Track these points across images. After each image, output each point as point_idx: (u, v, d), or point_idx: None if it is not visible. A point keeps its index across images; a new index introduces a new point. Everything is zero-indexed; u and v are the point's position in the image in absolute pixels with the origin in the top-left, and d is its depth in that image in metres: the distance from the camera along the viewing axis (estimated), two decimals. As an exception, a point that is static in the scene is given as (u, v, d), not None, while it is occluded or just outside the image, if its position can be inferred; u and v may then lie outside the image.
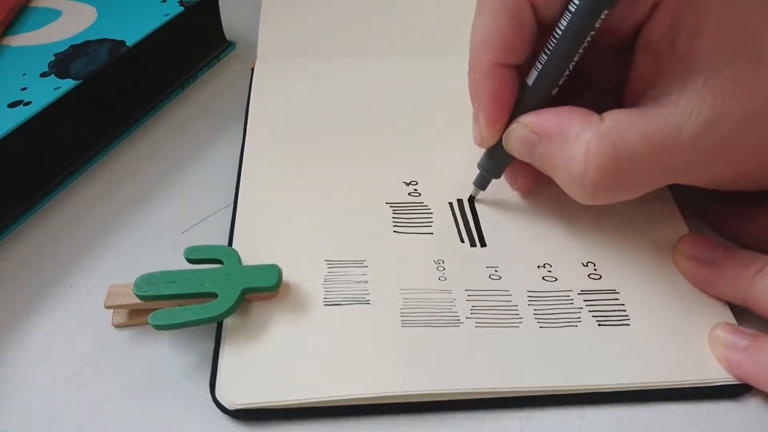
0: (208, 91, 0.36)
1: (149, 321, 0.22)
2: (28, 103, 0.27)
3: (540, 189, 0.28)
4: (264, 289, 0.23)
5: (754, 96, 0.21)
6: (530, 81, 0.25)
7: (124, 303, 0.24)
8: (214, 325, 0.24)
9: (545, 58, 0.24)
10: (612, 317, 0.24)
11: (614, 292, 0.25)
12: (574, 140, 0.23)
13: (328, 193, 0.29)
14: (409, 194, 0.29)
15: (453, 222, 0.28)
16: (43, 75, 0.29)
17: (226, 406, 0.22)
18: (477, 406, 0.22)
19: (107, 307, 0.24)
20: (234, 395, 0.22)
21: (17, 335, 0.24)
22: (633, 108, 0.23)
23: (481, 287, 0.25)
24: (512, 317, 0.24)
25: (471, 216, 0.28)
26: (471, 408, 0.22)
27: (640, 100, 0.24)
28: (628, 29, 0.23)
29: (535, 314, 0.24)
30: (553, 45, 0.23)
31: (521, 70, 0.25)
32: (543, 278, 0.26)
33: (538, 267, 0.26)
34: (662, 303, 0.25)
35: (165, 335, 0.24)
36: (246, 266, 0.24)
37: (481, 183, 0.28)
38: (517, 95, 0.25)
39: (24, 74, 0.29)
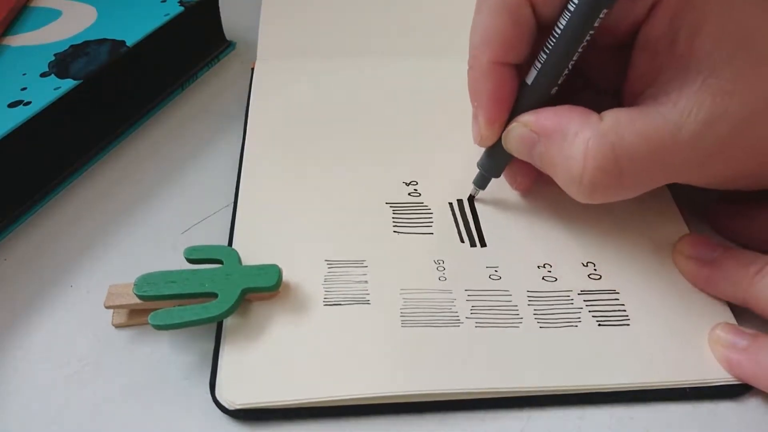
0: (208, 91, 0.36)
1: (149, 321, 0.22)
2: (28, 103, 0.27)
3: (539, 188, 0.28)
4: (264, 289, 0.23)
5: (754, 96, 0.21)
6: (529, 80, 0.25)
7: (124, 303, 0.24)
8: (214, 325, 0.24)
9: (544, 57, 0.24)
10: (612, 317, 0.24)
11: (614, 292, 0.25)
12: (573, 139, 0.23)
13: (328, 193, 0.29)
14: (409, 194, 0.29)
15: (453, 222, 0.28)
16: (43, 75, 0.29)
17: (226, 406, 0.22)
18: (477, 406, 0.22)
19: (107, 307, 0.24)
20: (234, 395, 0.22)
21: (17, 335, 0.24)
22: (632, 107, 0.23)
23: (481, 287, 0.25)
24: (512, 317, 0.24)
25: (471, 216, 0.28)
26: (471, 408, 0.22)
27: (639, 99, 0.24)
28: (627, 28, 0.23)
29: (535, 314, 0.24)
30: (552, 44, 0.23)
31: (520, 69, 0.25)
32: (543, 278, 0.26)
33: (538, 267, 0.26)
34: (662, 303, 0.25)
35: (165, 335, 0.24)
36: (246, 266, 0.24)
37: (481, 182, 0.28)
38: (516, 94, 0.25)
39: (24, 74, 0.29)
